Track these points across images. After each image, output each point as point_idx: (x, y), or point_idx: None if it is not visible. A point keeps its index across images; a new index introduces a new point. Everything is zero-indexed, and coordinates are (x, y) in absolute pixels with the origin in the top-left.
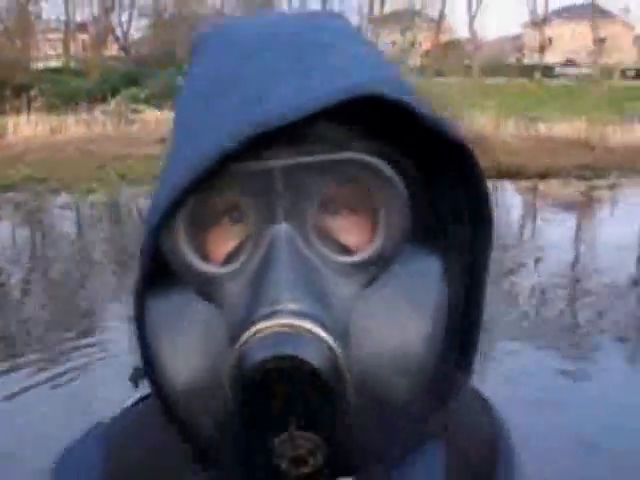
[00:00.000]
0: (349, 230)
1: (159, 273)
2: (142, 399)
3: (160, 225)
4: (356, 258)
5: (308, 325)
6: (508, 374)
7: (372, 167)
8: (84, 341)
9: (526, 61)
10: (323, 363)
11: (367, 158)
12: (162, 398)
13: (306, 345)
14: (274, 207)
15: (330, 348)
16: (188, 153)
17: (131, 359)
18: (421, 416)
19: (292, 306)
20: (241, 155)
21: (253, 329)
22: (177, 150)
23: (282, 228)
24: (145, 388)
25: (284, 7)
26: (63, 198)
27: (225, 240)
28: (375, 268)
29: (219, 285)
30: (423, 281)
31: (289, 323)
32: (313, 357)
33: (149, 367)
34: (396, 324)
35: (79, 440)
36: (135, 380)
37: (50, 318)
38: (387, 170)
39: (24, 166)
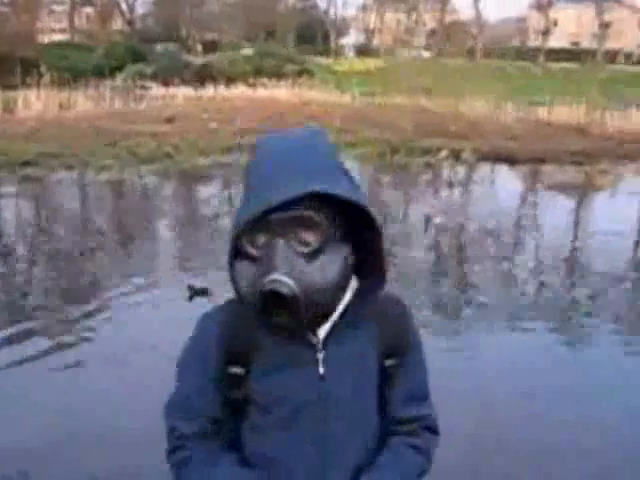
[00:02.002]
0: (309, 236)
1: (236, 251)
2: (231, 300)
3: (238, 234)
4: (311, 248)
5: (283, 278)
6: (503, 354)
7: (315, 218)
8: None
9: (530, 44)
10: (286, 290)
11: (313, 214)
12: (239, 295)
13: (280, 285)
14: (276, 232)
15: (290, 285)
16: (250, 208)
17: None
18: (353, 302)
19: (280, 270)
20: (268, 211)
21: (268, 277)
22: (246, 204)
23: (279, 241)
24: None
25: None
26: (77, 174)
27: (259, 239)
28: (318, 251)
29: (257, 257)
30: (337, 256)
31: (278, 277)
32: (282, 288)
33: (234, 284)
34: (322, 271)
35: (205, 315)
36: (191, 296)
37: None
38: (320, 217)
39: (38, 142)
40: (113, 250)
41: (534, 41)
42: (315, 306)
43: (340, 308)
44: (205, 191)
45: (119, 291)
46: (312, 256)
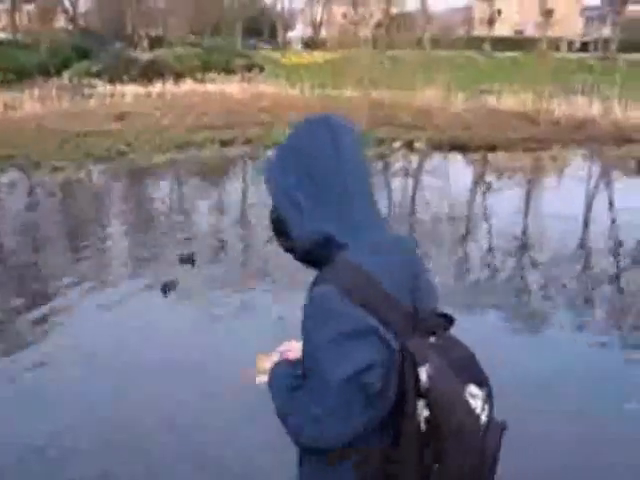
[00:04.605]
0: None
1: None
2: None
3: None
4: None
5: None
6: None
7: None
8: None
9: (475, 33)
10: None
11: None
12: None
13: None
14: None
15: None
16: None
17: None
18: None
19: None
20: None
21: None
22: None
23: None
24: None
25: None
26: (29, 176)
27: None
28: None
29: None
30: None
31: None
32: None
33: None
34: None
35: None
36: (164, 291)
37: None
38: None
39: None
40: (66, 253)
41: (480, 30)
42: None
43: None
44: (161, 188)
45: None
46: None
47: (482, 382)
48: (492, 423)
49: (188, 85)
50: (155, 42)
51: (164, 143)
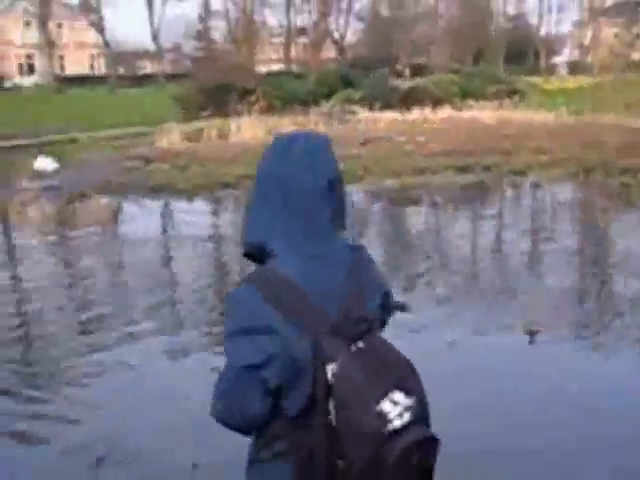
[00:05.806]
0: None
1: None
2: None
3: None
4: None
5: None
6: None
7: None
8: None
9: None
10: None
11: None
12: None
13: None
14: None
15: None
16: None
17: None
18: None
19: None
20: None
21: None
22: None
23: None
24: None
25: None
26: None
27: None
28: None
29: None
30: None
31: None
32: None
33: None
34: None
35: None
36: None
37: None
38: None
39: (241, 165)
40: None
41: None
42: None
43: None
44: (373, 211)
45: None
46: None
47: (410, 391)
48: (408, 431)
49: (445, 112)
50: (417, 70)
51: (400, 168)
